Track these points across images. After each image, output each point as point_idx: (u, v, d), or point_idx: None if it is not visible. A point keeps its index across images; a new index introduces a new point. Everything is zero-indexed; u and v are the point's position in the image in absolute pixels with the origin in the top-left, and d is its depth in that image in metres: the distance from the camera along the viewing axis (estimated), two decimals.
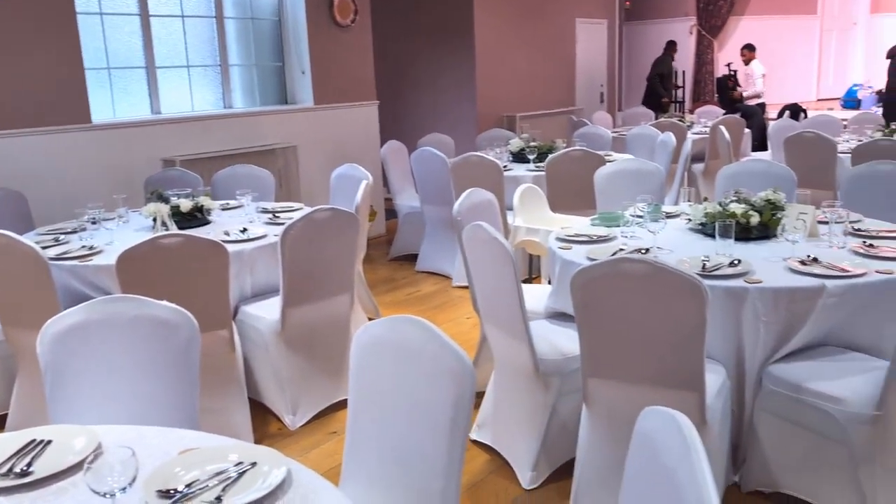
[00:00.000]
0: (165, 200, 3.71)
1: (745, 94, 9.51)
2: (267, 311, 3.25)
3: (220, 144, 5.36)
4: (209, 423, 2.16)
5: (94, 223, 3.60)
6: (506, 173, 4.95)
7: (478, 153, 5.07)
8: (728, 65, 10.16)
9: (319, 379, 3.36)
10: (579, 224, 3.46)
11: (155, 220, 3.53)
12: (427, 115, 8.32)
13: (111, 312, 1.96)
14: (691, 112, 9.83)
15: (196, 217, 3.67)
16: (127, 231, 3.60)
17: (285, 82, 6.17)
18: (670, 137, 5.64)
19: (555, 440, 2.71)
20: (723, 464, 2.52)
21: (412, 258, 5.73)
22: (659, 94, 9.89)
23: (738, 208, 3.02)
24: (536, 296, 3.18)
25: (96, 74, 4.98)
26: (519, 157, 5.59)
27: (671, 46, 10.22)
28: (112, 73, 5.10)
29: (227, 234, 3.43)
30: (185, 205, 3.64)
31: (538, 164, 5.24)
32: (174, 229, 3.37)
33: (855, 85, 11.71)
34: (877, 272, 2.51)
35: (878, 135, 5.43)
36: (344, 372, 3.33)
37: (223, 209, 4.08)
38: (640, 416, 1.26)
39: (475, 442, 3.05)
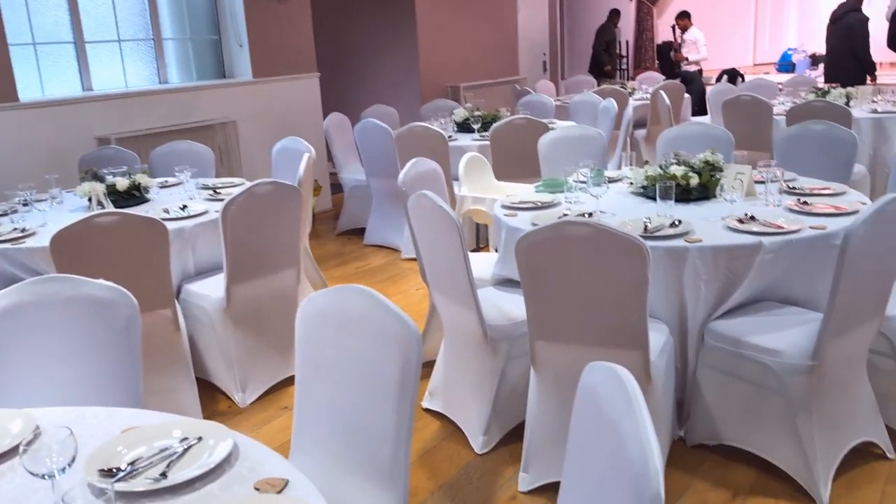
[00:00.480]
0: (100, 179, 3.59)
1: (690, 59, 9.65)
2: (211, 289, 3.19)
3: (157, 121, 5.21)
4: (156, 404, 2.12)
5: (25, 205, 3.47)
6: (451, 143, 4.94)
7: (422, 123, 5.03)
8: (673, 27, 10.24)
9: (268, 355, 3.32)
10: (524, 191, 3.48)
11: (90, 199, 3.42)
12: (370, 87, 8.22)
13: (44, 293, 1.90)
14: (632, 79, 9.92)
15: (134, 195, 3.57)
16: (61, 212, 3.49)
17: (222, 56, 6.01)
18: (612, 104, 5.70)
19: (505, 404, 2.74)
20: (668, 419, 2.59)
21: (360, 232, 5.69)
22: (603, 62, 9.95)
23: (678, 170, 3.07)
24: (483, 264, 3.19)
25: (21, 50, 4.77)
26: (464, 126, 5.57)
27: (614, 15, 10.26)
28: (38, 48, 4.90)
29: (166, 211, 3.35)
30: (122, 183, 3.53)
31: (483, 134, 5.23)
32: (111, 208, 3.27)
33: (789, 49, 11.98)
34: (811, 228, 2.59)
35: (812, 97, 5.58)
36: (293, 347, 3.30)
37: (162, 187, 3.98)
38: (583, 371, 1.27)
39: (427, 410, 3.07)
